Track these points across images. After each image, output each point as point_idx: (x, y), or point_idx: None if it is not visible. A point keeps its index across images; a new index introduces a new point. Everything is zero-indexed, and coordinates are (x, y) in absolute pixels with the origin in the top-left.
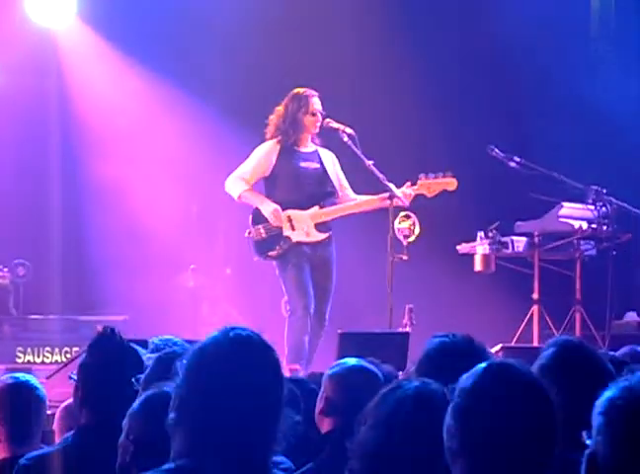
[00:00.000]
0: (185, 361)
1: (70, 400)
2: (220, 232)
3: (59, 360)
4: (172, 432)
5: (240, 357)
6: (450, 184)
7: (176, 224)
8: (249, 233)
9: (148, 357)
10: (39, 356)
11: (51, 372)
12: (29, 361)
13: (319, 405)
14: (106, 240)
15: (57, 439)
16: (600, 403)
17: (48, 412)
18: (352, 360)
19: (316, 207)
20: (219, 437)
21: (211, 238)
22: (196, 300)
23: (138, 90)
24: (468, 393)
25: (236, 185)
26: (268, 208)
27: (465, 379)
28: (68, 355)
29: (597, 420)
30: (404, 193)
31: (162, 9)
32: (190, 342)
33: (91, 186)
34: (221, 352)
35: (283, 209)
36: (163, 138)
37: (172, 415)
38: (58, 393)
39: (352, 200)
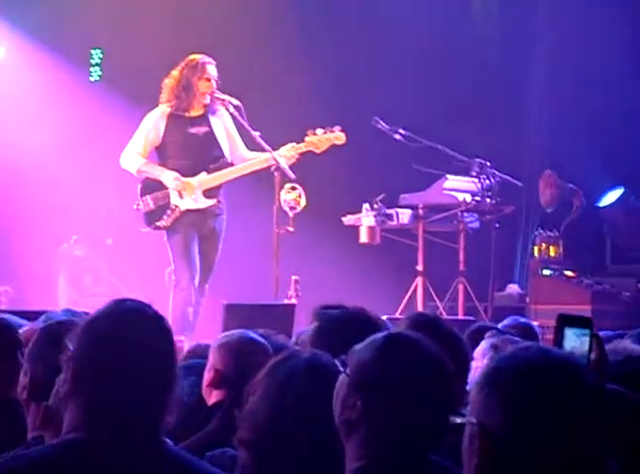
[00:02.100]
0: (76, 333)
1: None
2: (102, 203)
3: None
4: (64, 405)
5: (132, 328)
6: (339, 138)
7: (59, 195)
8: (137, 205)
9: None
10: None
11: None
12: None
13: (207, 376)
14: None
15: None
16: (481, 376)
17: None
18: (239, 332)
19: (204, 173)
20: (113, 408)
21: (94, 209)
22: (79, 271)
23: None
24: (368, 364)
25: (132, 160)
26: (168, 178)
27: (363, 350)
28: None
29: (482, 392)
30: (293, 149)
31: None
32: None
33: None
34: (113, 322)
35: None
36: (40, 107)
37: (64, 388)
38: None
39: (241, 163)
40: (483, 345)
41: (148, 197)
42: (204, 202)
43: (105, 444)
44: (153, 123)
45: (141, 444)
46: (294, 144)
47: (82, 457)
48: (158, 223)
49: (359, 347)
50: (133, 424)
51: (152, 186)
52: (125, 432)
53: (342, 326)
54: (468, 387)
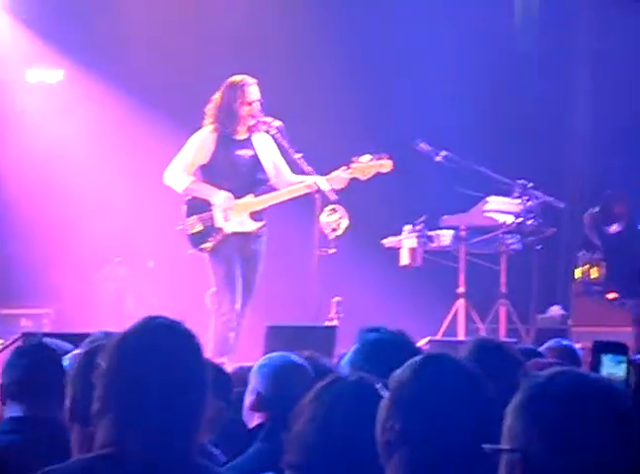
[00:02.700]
0: (107, 351)
1: None
2: (145, 225)
3: None
4: (96, 422)
5: (163, 344)
6: (385, 165)
7: (101, 216)
8: (182, 226)
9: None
10: None
11: None
12: None
13: (248, 399)
14: (30, 232)
15: None
16: (518, 403)
17: None
18: (281, 354)
19: (250, 196)
20: (144, 425)
21: (136, 231)
22: (120, 293)
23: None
24: (406, 385)
25: (179, 177)
26: (220, 197)
27: (401, 373)
28: None
29: (520, 419)
30: (339, 177)
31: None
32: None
33: (14, 177)
34: (144, 339)
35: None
36: (90, 130)
37: (96, 405)
38: None
39: (286, 187)
40: None
41: (194, 217)
42: (251, 225)
43: (137, 458)
44: (201, 143)
45: (173, 459)
46: (342, 170)
47: (114, 470)
48: (203, 245)
49: (399, 369)
50: (165, 439)
51: (197, 207)
52: (157, 447)
53: (379, 348)
54: None
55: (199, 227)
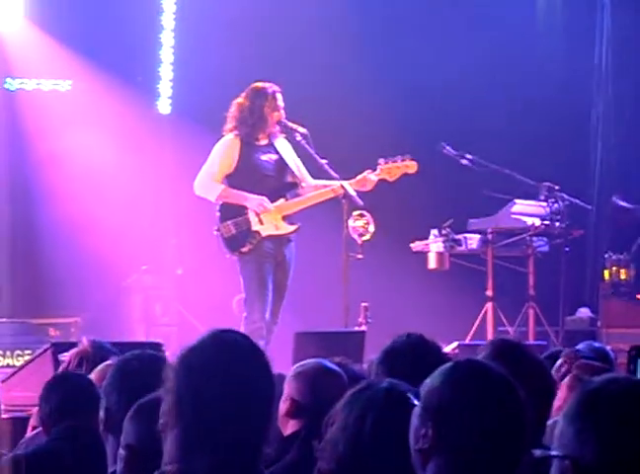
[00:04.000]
0: (173, 366)
1: None
2: (172, 232)
3: (11, 364)
4: (163, 437)
5: (230, 360)
6: (411, 167)
7: (127, 225)
8: (218, 230)
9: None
10: None
11: (6, 376)
12: None
13: (283, 406)
14: (57, 242)
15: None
16: (571, 409)
17: (4, 415)
18: (315, 361)
19: (282, 200)
20: (212, 440)
21: (163, 239)
22: (148, 301)
23: (87, 88)
24: (438, 393)
25: (210, 187)
26: (254, 201)
27: (432, 380)
28: (20, 359)
29: (574, 426)
30: (367, 179)
31: (115, 9)
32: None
33: (40, 187)
34: (211, 354)
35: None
36: (114, 137)
37: (163, 420)
38: (14, 397)
39: (313, 190)
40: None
41: (229, 222)
42: (286, 228)
43: None
44: (228, 149)
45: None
46: (369, 173)
47: None
48: (242, 249)
49: (430, 377)
50: (231, 456)
51: (231, 211)
52: (223, 465)
53: (401, 353)
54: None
55: (234, 231)
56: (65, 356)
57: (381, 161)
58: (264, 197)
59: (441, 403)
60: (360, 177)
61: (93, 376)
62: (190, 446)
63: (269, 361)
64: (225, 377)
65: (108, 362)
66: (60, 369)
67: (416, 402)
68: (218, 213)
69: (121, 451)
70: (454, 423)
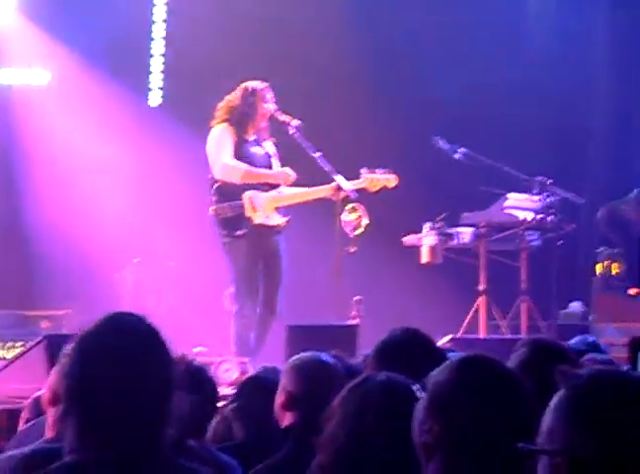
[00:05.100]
0: (68, 350)
1: (42, 392)
2: (164, 225)
3: (3, 356)
4: (62, 426)
5: (126, 342)
6: (390, 180)
7: (120, 217)
8: (213, 211)
9: None
10: None
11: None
12: None
13: (279, 399)
14: (48, 233)
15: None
16: (561, 403)
17: None
18: (310, 354)
19: (274, 192)
20: (108, 428)
21: (155, 231)
22: (140, 294)
23: (79, 82)
24: (444, 387)
25: (234, 169)
26: (279, 175)
27: (438, 374)
28: (12, 351)
29: (564, 420)
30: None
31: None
32: None
33: (34, 181)
34: (104, 337)
35: (244, 192)
36: (108, 131)
37: (61, 408)
38: (8, 389)
39: (300, 188)
40: None
41: (226, 204)
42: (277, 219)
43: (102, 464)
44: (228, 137)
45: (140, 459)
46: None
47: None
48: (237, 233)
49: (436, 370)
50: (129, 443)
51: (228, 194)
52: (122, 450)
53: (396, 347)
54: None
55: (230, 214)
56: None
57: (364, 170)
58: (285, 169)
59: (448, 398)
60: (345, 183)
61: None
62: (85, 437)
63: (165, 343)
64: (119, 360)
65: None
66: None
67: (418, 394)
68: (215, 195)
69: None
70: (460, 419)
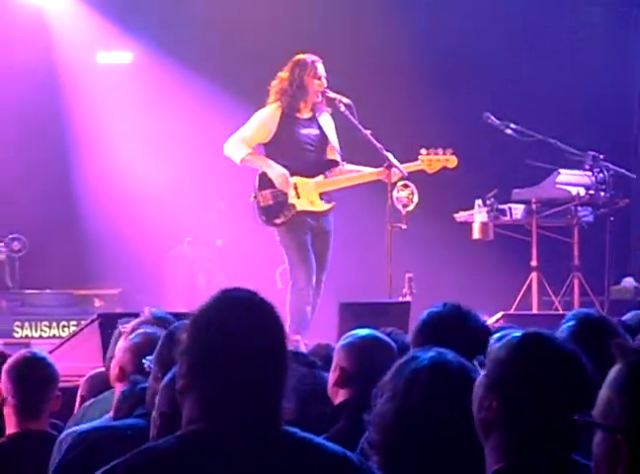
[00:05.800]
0: (186, 327)
1: (97, 370)
2: (214, 204)
3: (57, 335)
4: (181, 400)
5: (243, 316)
6: (451, 161)
7: (171, 197)
8: (254, 197)
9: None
10: (36, 331)
11: (53, 347)
12: (27, 336)
13: (332, 376)
14: (100, 213)
15: (78, 407)
16: (617, 379)
17: None
18: (364, 331)
19: (321, 177)
20: (229, 399)
21: (206, 210)
22: (191, 272)
23: (131, 62)
24: (506, 365)
25: (238, 148)
26: (275, 171)
27: (498, 350)
28: (66, 330)
29: (623, 397)
30: (406, 168)
31: None
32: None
33: (85, 161)
34: (224, 312)
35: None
36: (157, 111)
37: (180, 383)
38: (61, 367)
39: (352, 172)
40: None
41: (267, 191)
42: (322, 206)
43: (226, 432)
44: (266, 118)
45: (262, 429)
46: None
47: (206, 447)
48: (276, 220)
49: (496, 346)
50: (251, 410)
51: (271, 181)
52: (245, 419)
53: (435, 322)
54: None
55: (271, 201)
56: (126, 327)
57: (423, 151)
58: (285, 171)
59: (508, 376)
60: (400, 166)
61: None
62: (209, 407)
63: (278, 315)
64: (239, 334)
65: (140, 331)
66: (121, 339)
67: (474, 373)
68: (257, 180)
69: (155, 418)
70: (520, 396)
